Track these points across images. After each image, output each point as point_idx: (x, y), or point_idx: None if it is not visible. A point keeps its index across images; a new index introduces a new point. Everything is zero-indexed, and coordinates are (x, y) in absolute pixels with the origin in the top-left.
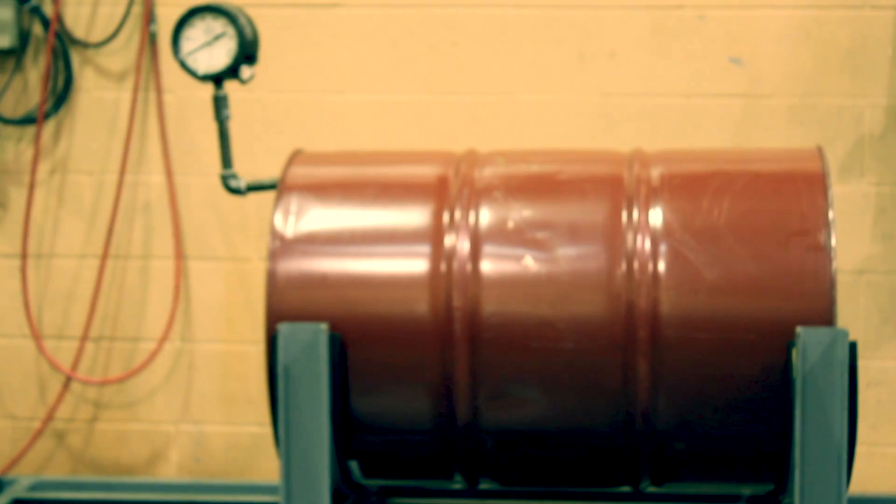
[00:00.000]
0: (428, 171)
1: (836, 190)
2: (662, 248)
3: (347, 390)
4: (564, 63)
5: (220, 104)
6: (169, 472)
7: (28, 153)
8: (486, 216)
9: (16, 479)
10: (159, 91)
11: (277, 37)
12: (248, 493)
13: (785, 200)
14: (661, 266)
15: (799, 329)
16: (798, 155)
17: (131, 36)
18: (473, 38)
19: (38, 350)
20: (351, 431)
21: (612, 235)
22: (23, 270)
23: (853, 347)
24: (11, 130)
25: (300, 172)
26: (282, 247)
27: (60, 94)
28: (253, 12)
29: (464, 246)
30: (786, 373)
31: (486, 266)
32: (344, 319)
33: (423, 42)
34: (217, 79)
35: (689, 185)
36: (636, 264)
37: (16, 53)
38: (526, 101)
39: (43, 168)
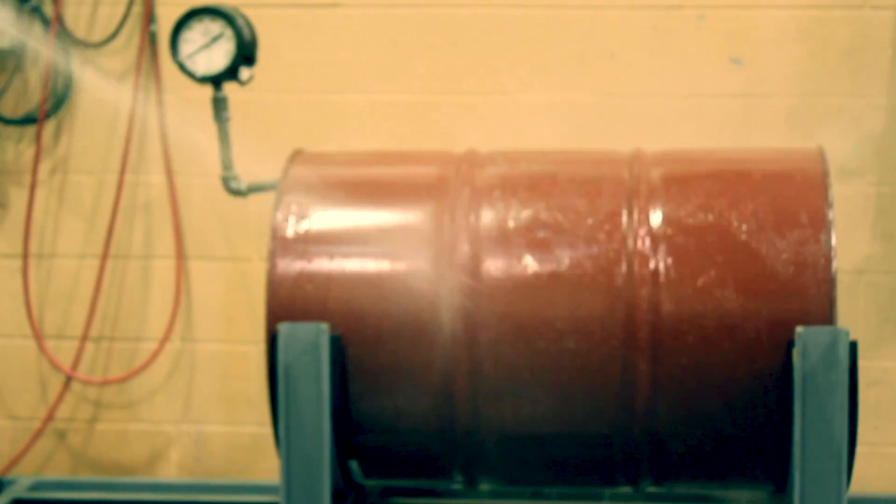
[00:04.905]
0: (428, 171)
1: (836, 190)
2: (662, 247)
3: (347, 390)
4: (564, 63)
5: (219, 106)
6: (169, 472)
7: (28, 153)
8: (486, 216)
9: (16, 479)
10: (159, 91)
11: (277, 37)
12: (248, 493)
13: (785, 200)
14: (661, 266)
15: (799, 329)
16: (798, 155)
17: (131, 36)
18: (473, 38)
19: (38, 350)
20: (351, 431)
21: (613, 235)
22: (24, 270)
23: (853, 347)
24: (11, 130)
25: (300, 173)
26: (282, 247)
27: (60, 94)
28: (252, 12)
29: (464, 246)
30: (786, 373)
31: (486, 266)
32: (344, 319)
33: (423, 42)
34: (216, 80)
35: (688, 186)
36: (636, 264)
37: (16, 53)
38: (526, 101)
39: (43, 168)
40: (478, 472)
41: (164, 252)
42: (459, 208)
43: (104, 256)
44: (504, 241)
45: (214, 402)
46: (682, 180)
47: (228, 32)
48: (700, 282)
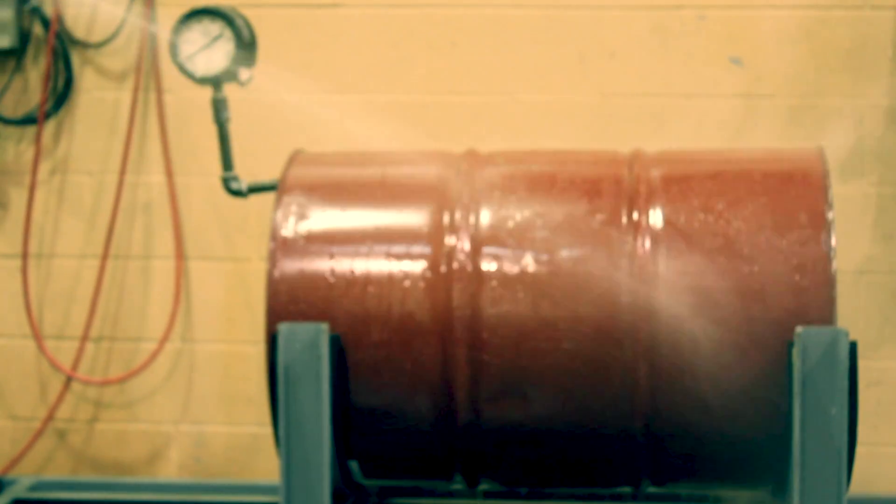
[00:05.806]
0: (428, 171)
1: (836, 190)
2: (662, 248)
3: (347, 390)
4: (564, 63)
5: (219, 106)
6: (169, 472)
7: (28, 153)
8: (486, 216)
9: (16, 479)
10: (159, 91)
11: (277, 37)
12: (248, 493)
13: (785, 200)
14: (661, 266)
15: (799, 329)
16: (798, 155)
17: (131, 36)
18: (473, 38)
19: (38, 350)
20: (351, 431)
21: (612, 235)
22: (23, 270)
23: (853, 347)
24: (12, 130)
25: (300, 173)
26: (282, 247)
27: (60, 94)
28: (253, 13)
29: (464, 246)
30: (786, 373)
31: (486, 266)
32: (344, 319)
33: (423, 42)
34: (215, 81)
35: (688, 186)
36: (636, 264)
37: (16, 53)
38: (526, 101)
39: (43, 168)
40: (478, 472)
41: (164, 252)
42: (459, 208)
43: (104, 256)
44: (504, 241)
45: (214, 402)
46: (682, 180)
47: (228, 33)
48: (699, 281)
